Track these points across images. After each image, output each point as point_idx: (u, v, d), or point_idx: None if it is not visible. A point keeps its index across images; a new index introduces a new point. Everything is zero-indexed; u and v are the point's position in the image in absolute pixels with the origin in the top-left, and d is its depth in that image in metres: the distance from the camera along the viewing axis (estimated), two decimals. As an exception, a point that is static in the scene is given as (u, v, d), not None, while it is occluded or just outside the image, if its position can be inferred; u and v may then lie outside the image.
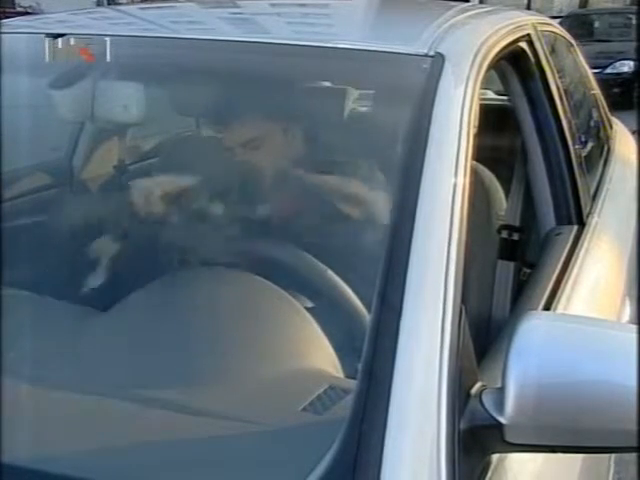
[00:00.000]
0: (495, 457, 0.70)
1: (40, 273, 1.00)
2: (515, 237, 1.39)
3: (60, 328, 0.87)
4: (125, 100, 1.19)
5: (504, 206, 1.48)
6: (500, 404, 0.63)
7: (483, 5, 1.62)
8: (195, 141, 1.53)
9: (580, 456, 0.88)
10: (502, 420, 0.63)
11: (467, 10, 1.25)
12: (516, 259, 1.39)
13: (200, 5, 1.57)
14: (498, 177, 1.54)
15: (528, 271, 1.30)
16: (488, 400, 0.66)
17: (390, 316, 0.66)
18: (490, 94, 2.06)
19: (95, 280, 0.97)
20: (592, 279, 1.22)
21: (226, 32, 1.27)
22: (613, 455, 1.49)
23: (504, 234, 1.40)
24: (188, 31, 1.28)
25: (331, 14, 1.50)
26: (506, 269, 1.40)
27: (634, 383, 0.64)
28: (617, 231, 1.57)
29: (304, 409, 0.74)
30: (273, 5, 1.63)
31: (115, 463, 0.64)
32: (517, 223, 1.41)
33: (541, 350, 0.64)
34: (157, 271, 0.95)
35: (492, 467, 0.69)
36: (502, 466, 0.71)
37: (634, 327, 0.93)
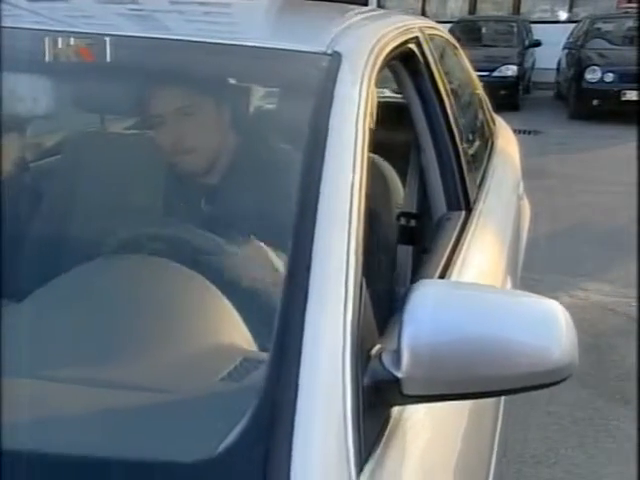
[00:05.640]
0: (395, 411, 0.79)
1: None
2: (412, 223, 1.51)
3: None
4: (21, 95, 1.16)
5: (402, 195, 1.59)
6: (397, 362, 0.72)
7: (376, 8, 1.73)
8: (97, 138, 1.51)
9: (467, 406, 0.99)
10: (399, 375, 0.71)
11: (362, 12, 1.34)
12: (414, 243, 1.50)
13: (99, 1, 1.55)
14: (396, 169, 1.65)
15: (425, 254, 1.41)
16: (387, 359, 0.74)
17: (298, 294, 0.72)
18: (387, 92, 2.19)
19: (7, 272, 0.97)
20: (477, 258, 1.35)
21: (129, 29, 1.26)
22: (500, 414, 1.64)
23: (402, 221, 1.51)
24: (86, 26, 1.26)
25: (233, 13, 1.54)
26: (405, 253, 1.51)
27: (513, 336, 0.74)
28: (499, 215, 1.74)
29: (221, 380, 0.79)
30: (173, 3, 1.65)
31: (40, 437, 0.66)
32: (414, 210, 1.53)
33: (431, 311, 0.73)
34: (70, 260, 0.96)
35: (392, 420, 0.78)
36: (401, 418, 0.80)
37: (512, 291, 1.05)
